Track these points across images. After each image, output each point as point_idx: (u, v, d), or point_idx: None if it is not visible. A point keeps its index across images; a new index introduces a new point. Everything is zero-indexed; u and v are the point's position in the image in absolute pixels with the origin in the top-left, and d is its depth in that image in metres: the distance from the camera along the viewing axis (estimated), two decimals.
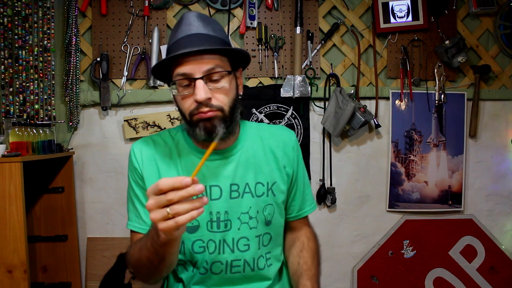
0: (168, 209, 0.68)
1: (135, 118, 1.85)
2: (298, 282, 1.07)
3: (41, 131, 1.58)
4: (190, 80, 0.91)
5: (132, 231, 1.03)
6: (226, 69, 0.94)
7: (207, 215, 1.01)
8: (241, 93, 1.03)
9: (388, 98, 1.95)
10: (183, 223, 0.67)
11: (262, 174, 1.05)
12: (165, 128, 1.85)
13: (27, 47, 1.75)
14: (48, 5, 1.78)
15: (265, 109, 1.91)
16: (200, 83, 0.89)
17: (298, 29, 1.84)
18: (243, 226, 1.02)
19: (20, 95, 1.75)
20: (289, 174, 1.11)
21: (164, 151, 1.04)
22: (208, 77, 0.91)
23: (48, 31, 1.79)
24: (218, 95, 0.93)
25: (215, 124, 0.92)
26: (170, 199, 0.67)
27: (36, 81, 1.77)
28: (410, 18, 1.91)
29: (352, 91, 1.90)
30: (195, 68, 0.90)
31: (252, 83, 1.92)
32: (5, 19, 1.71)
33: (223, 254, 1.02)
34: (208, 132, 0.92)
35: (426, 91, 1.94)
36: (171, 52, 0.94)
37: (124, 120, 1.85)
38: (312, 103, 1.95)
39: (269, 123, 1.90)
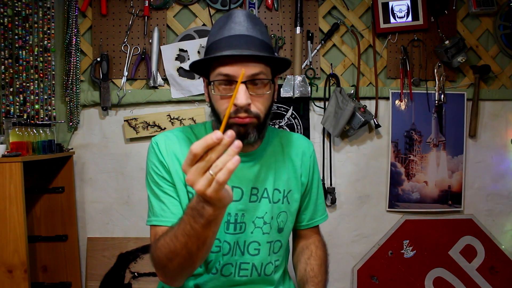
0: (210, 171, 0.62)
1: (135, 118, 1.85)
2: None
3: (41, 131, 1.58)
4: (232, 82, 0.90)
5: (153, 227, 0.97)
6: (269, 77, 0.93)
7: (225, 216, 0.99)
8: (276, 99, 1.03)
9: (388, 98, 1.95)
10: (224, 179, 0.61)
11: (280, 181, 1.06)
12: (165, 128, 1.85)
13: (27, 47, 1.75)
14: (48, 5, 1.78)
15: None
16: (242, 88, 0.88)
17: (298, 29, 1.84)
18: (257, 231, 1.02)
19: (20, 95, 1.75)
20: (304, 183, 1.11)
21: (187, 148, 0.99)
22: (250, 82, 0.90)
23: (48, 31, 1.79)
24: (257, 102, 0.92)
25: (249, 131, 0.91)
26: (209, 159, 0.62)
27: (36, 81, 1.77)
28: (410, 18, 1.91)
29: (352, 91, 1.90)
30: (239, 71, 0.87)
31: None
32: (5, 19, 1.71)
33: (235, 256, 1.01)
34: (240, 137, 0.90)
35: (426, 91, 1.94)
36: (216, 48, 0.92)
37: (124, 120, 1.85)
38: (312, 103, 1.95)
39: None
